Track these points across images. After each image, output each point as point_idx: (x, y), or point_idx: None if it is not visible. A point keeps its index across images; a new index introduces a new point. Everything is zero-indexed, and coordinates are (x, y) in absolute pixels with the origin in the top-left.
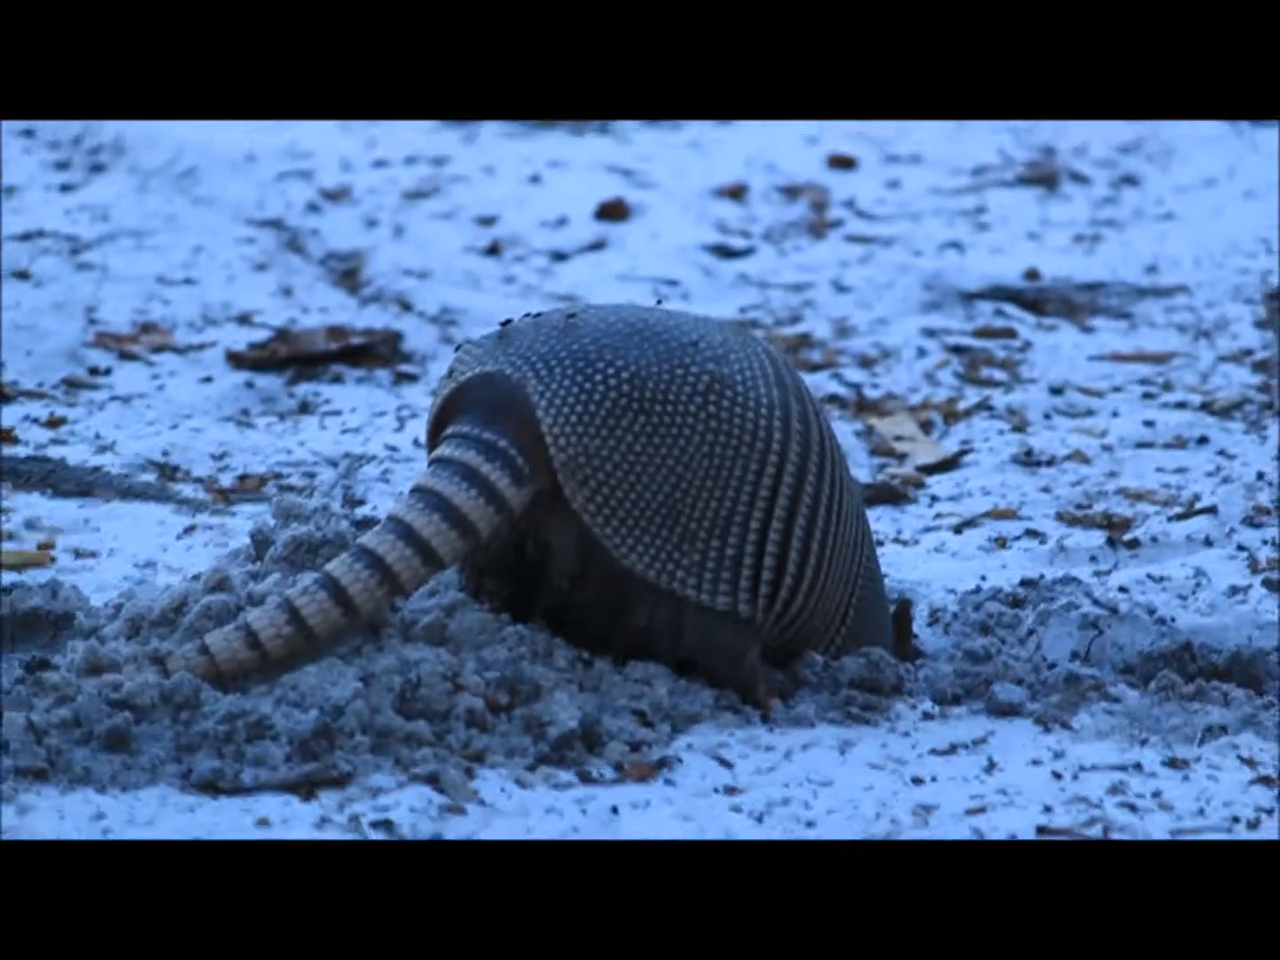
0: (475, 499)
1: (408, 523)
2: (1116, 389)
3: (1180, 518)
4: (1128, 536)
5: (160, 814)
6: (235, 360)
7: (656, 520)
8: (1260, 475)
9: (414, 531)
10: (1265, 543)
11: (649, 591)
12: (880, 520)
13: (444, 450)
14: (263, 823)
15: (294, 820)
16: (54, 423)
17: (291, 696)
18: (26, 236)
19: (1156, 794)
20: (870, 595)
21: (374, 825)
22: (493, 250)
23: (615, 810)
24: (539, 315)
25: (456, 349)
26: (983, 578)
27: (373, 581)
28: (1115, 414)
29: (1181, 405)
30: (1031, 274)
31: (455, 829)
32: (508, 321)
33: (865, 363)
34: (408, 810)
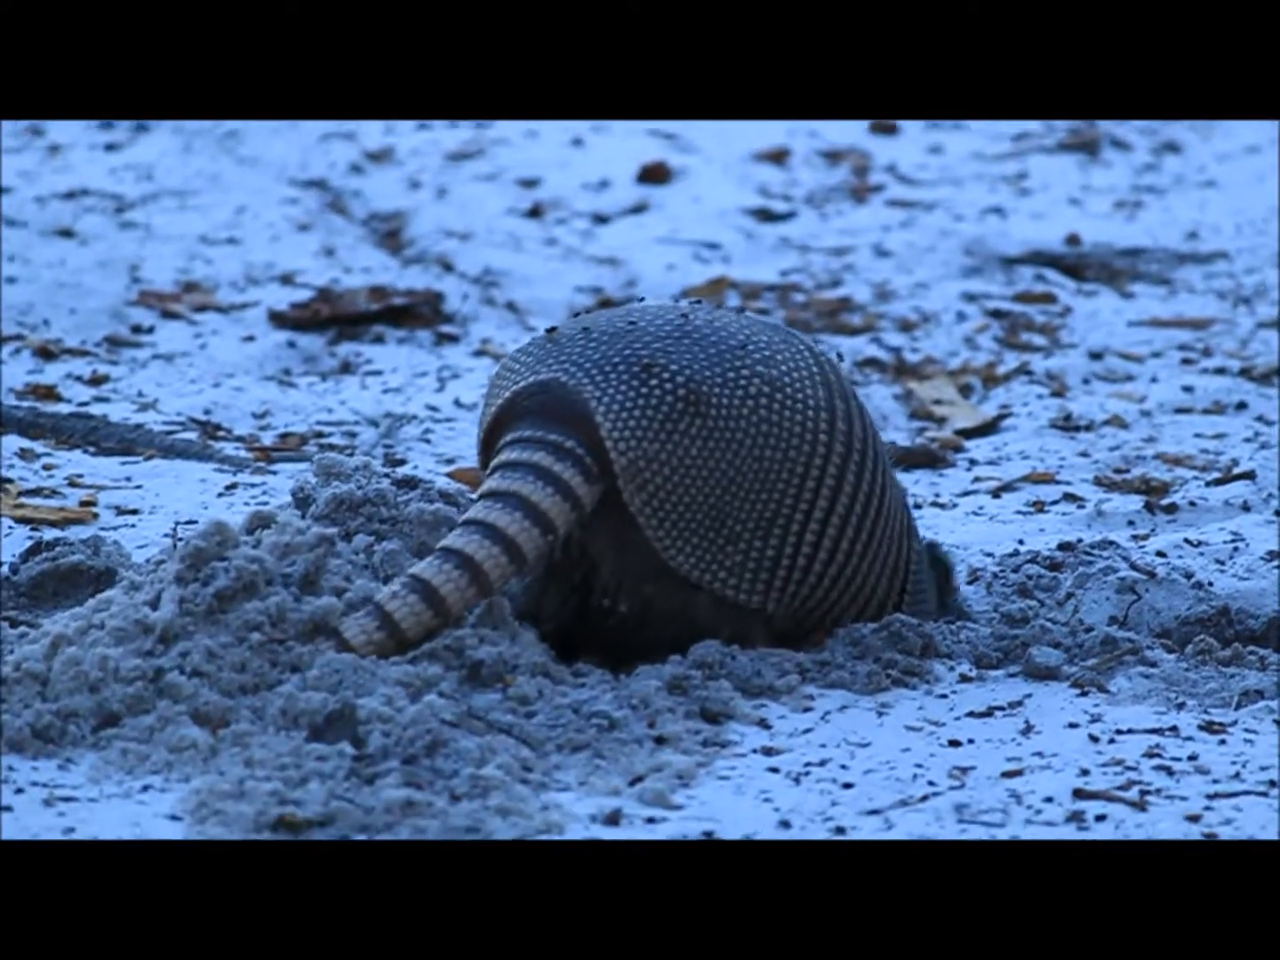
0: (553, 496)
1: (490, 522)
2: (1156, 354)
3: (1218, 483)
4: (1165, 501)
5: None
6: (277, 320)
7: (705, 522)
8: None
9: (499, 530)
10: None
11: (679, 591)
12: (919, 484)
13: (511, 455)
14: None
15: None
16: (97, 380)
17: None
18: (71, 195)
19: (1193, 757)
20: (921, 581)
21: None
22: (534, 212)
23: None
24: (582, 315)
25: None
26: (1020, 541)
27: (463, 581)
28: (1154, 379)
29: (1220, 371)
30: (1072, 239)
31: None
32: (553, 329)
33: (905, 327)
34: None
